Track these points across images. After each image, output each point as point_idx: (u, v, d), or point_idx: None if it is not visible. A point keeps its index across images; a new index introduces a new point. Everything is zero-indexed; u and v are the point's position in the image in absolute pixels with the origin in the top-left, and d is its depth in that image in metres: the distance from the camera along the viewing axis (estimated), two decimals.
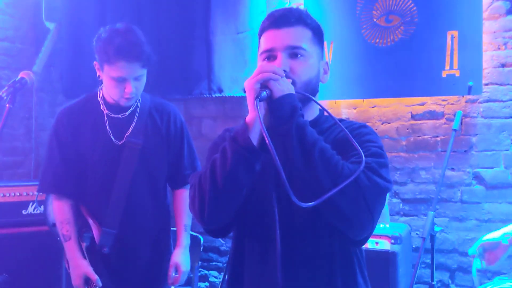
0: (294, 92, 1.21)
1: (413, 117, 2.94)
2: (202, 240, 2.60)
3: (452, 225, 2.85)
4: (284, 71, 1.25)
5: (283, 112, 1.17)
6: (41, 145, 3.91)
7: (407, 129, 2.95)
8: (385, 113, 3.01)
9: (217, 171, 1.19)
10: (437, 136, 2.88)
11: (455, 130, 2.47)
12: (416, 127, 2.93)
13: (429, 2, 2.80)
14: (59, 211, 2.07)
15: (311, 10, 3.00)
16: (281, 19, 1.31)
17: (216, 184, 1.19)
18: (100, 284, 1.95)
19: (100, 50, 1.94)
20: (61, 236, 2.06)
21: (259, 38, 1.37)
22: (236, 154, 1.17)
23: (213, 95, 3.32)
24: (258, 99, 1.15)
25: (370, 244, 2.50)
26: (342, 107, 3.11)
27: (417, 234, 2.88)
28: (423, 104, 2.90)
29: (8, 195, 3.12)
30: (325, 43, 2.96)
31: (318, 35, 1.36)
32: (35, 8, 3.92)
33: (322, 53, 1.38)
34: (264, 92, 1.17)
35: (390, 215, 2.88)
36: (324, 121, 1.39)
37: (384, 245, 2.47)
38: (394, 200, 2.98)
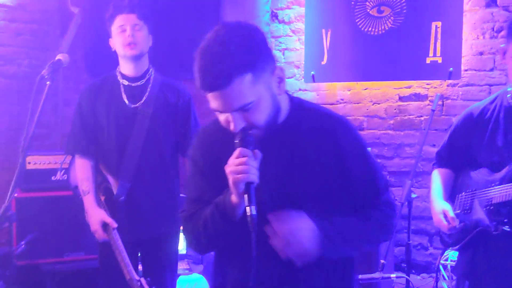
0: None
1: (400, 98, 3.28)
2: None
3: None
4: (241, 129, 1.22)
5: None
6: (66, 119, 4.30)
7: (395, 109, 3.29)
8: (375, 95, 3.35)
9: (205, 235, 1.33)
10: (421, 116, 3.22)
11: (433, 110, 2.81)
12: (402, 107, 3.27)
13: None
14: (80, 169, 2.45)
15: (311, 2, 3.33)
16: (212, 82, 1.18)
17: (204, 242, 1.36)
18: (116, 225, 2.29)
19: (106, 17, 2.34)
20: (81, 191, 2.43)
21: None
22: (224, 230, 1.29)
23: None
24: (249, 204, 1.18)
25: None
26: (338, 88, 3.45)
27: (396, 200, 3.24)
28: (409, 87, 3.24)
29: (39, 163, 3.51)
30: (323, 30, 3.32)
31: (260, 63, 1.21)
32: None
33: (271, 69, 1.24)
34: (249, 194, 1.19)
35: None
36: (298, 119, 1.33)
37: None
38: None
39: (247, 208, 1.17)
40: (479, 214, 1.85)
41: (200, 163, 1.40)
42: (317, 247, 1.22)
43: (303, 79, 3.49)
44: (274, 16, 3.60)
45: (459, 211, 1.93)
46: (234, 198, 1.23)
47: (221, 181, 1.24)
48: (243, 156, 1.19)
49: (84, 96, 2.48)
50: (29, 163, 3.45)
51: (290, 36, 3.59)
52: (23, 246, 3.49)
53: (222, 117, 1.26)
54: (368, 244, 1.41)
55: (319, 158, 1.30)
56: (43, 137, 4.18)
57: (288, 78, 3.61)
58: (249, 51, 1.19)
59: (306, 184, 1.30)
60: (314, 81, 3.39)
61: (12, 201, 3.76)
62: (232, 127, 1.23)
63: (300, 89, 3.57)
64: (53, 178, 3.56)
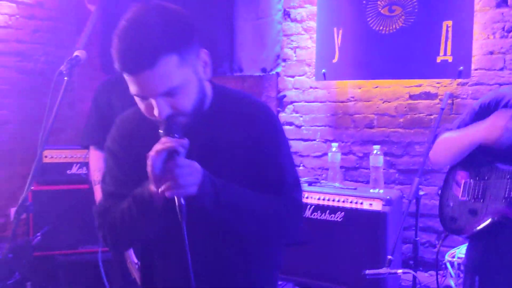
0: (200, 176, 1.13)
1: (410, 97, 3.30)
2: None
3: None
4: (167, 115, 1.15)
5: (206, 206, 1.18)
6: (81, 115, 4.39)
7: (405, 107, 3.32)
8: (385, 93, 3.38)
9: (122, 229, 1.26)
10: (431, 115, 3.25)
11: (442, 109, 2.83)
12: (412, 106, 3.30)
13: None
14: (93, 160, 2.52)
15: (323, 1, 3.37)
16: (136, 63, 1.10)
17: (120, 237, 1.30)
18: None
19: None
20: (92, 181, 2.51)
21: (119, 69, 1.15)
22: (142, 223, 1.23)
23: (234, 74, 3.74)
24: (181, 211, 1.12)
25: (364, 205, 2.91)
26: (349, 86, 3.49)
27: (404, 197, 3.27)
28: (419, 86, 3.27)
29: (55, 157, 3.60)
30: (335, 29, 3.35)
31: (185, 44, 1.15)
32: None
33: (196, 52, 1.19)
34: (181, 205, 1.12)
35: (386, 183, 3.28)
36: (221, 105, 1.30)
37: (376, 206, 2.88)
38: (391, 170, 3.38)
39: (176, 198, 1.10)
40: (496, 204, 1.82)
41: (118, 155, 1.34)
42: (198, 183, 1.13)
43: (314, 77, 3.54)
44: (287, 14, 3.65)
45: (466, 199, 1.92)
46: (153, 188, 1.14)
47: (141, 174, 1.17)
48: (169, 146, 1.11)
49: (100, 89, 2.55)
50: (45, 157, 3.55)
51: (302, 34, 3.63)
52: (39, 237, 3.59)
53: (143, 105, 1.19)
54: (257, 224, 1.26)
55: (239, 143, 1.26)
56: (59, 132, 4.28)
57: (299, 76, 3.66)
58: (173, 31, 1.12)
59: (225, 169, 1.24)
60: (325, 79, 3.43)
61: (29, 194, 3.88)
62: (156, 113, 1.14)
63: (310, 87, 3.62)
64: (68, 171, 3.66)
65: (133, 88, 1.15)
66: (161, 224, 1.23)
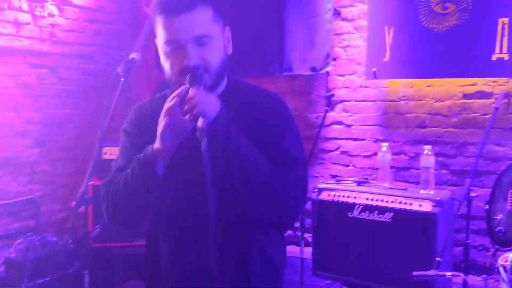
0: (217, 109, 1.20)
1: (464, 96, 3.22)
2: None
3: None
4: (195, 64, 1.22)
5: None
6: None
7: (458, 107, 3.24)
8: (438, 92, 3.30)
9: (125, 194, 1.28)
10: (486, 114, 3.15)
11: (497, 108, 2.75)
12: (466, 105, 3.21)
13: None
14: None
15: (374, 1, 3.35)
16: (177, 4, 1.19)
17: (124, 205, 1.30)
18: None
19: None
20: None
21: (154, 17, 1.25)
22: (146, 186, 1.26)
23: (284, 74, 3.78)
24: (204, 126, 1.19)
25: (414, 206, 2.87)
26: (400, 85, 3.44)
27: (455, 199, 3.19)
28: (474, 84, 3.17)
29: (114, 153, 3.79)
30: (386, 27, 3.32)
31: (219, 5, 1.27)
32: None
33: (223, 22, 1.30)
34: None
35: (439, 184, 3.21)
36: (234, 93, 1.37)
37: (426, 207, 2.83)
38: (443, 171, 3.30)
39: (200, 121, 1.18)
40: None
41: (134, 135, 1.41)
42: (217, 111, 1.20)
43: (364, 76, 3.52)
44: (337, 13, 3.65)
45: None
46: (157, 145, 1.21)
47: None
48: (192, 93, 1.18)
49: (158, 90, 2.68)
50: (104, 153, 3.75)
51: (352, 33, 3.62)
52: (97, 229, 3.80)
53: (171, 57, 1.24)
54: (262, 180, 1.24)
55: (247, 129, 1.28)
56: (117, 130, 4.49)
57: (350, 74, 3.65)
58: None
59: None
60: (375, 78, 3.41)
61: (89, 188, 4.11)
62: (185, 62, 1.20)
63: (361, 86, 3.60)
64: None
65: (167, 34, 1.22)
66: (164, 190, 1.26)
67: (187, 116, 1.17)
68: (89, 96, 4.26)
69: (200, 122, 1.20)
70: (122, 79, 2.50)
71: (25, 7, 3.72)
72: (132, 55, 2.57)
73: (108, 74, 4.32)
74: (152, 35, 4.84)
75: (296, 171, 1.32)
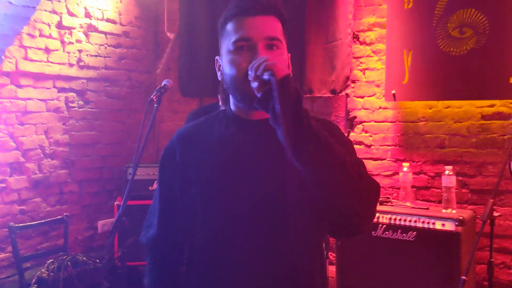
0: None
1: (483, 117, 3.31)
2: None
3: None
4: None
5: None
6: (160, 134, 4.71)
7: (477, 128, 3.33)
8: (457, 113, 3.40)
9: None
10: (505, 135, 3.23)
11: None
12: (485, 126, 3.30)
13: (500, 16, 3.15)
14: None
15: (392, 24, 3.47)
16: (257, 6, 1.22)
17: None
18: None
19: None
20: None
21: (225, 25, 1.26)
22: None
23: (304, 95, 3.89)
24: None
25: (437, 225, 2.95)
26: (419, 106, 3.54)
27: (478, 218, 3.26)
28: (492, 106, 3.26)
29: (138, 174, 3.91)
30: (404, 51, 3.43)
31: (286, 28, 1.30)
32: (158, 21, 4.71)
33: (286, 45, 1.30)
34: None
35: (459, 203, 3.29)
36: None
37: (449, 226, 2.91)
38: (463, 190, 3.38)
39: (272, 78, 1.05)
40: None
41: (174, 168, 1.33)
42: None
43: (383, 98, 3.62)
44: (356, 38, 3.77)
45: None
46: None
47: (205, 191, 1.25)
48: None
49: (190, 118, 2.80)
50: (129, 174, 3.86)
51: (371, 56, 3.73)
52: (125, 248, 3.88)
53: (240, 55, 1.20)
54: (340, 170, 1.10)
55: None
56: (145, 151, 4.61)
57: (369, 96, 3.75)
58: (285, 12, 1.29)
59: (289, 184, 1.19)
60: (394, 100, 3.51)
61: (114, 208, 4.21)
62: (257, 56, 1.15)
63: (380, 107, 3.70)
64: (150, 187, 3.96)
65: (239, 33, 1.20)
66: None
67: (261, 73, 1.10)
68: (113, 118, 4.39)
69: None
70: (155, 105, 2.65)
71: (54, 34, 3.88)
72: (164, 82, 2.71)
73: (131, 96, 4.48)
74: (174, 58, 5.02)
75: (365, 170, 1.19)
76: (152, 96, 2.76)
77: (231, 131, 1.31)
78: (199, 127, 1.38)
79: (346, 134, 3.64)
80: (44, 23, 3.79)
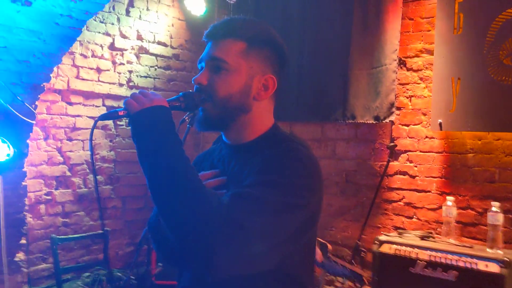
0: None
1: None
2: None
3: None
4: (198, 84, 1.26)
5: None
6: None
7: None
8: (509, 146, 3.17)
9: None
10: None
11: None
12: None
13: None
14: None
15: (441, 50, 3.33)
16: (211, 31, 1.29)
17: None
18: None
19: None
20: None
21: None
22: None
23: (347, 122, 3.79)
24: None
25: (480, 266, 2.73)
26: (468, 137, 3.34)
27: None
28: None
29: None
30: (452, 78, 3.27)
31: (258, 46, 1.27)
32: None
33: (265, 66, 1.28)
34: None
35: (508, 242, 3.04)
36: (261, 145, 1.29)
37: (493, 268, 2.68)
38: None
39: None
40: None
41: None
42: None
43: (429, 126, 3.45)
44: (402, 64, 3.65)
45: None
46: None
47: None
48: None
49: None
50: None
51: (418, 83, 3.59)
52: (160, 267, 3.92)
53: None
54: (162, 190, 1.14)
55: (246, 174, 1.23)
56: None
57: (414, 124, 3.60)
58: (258, 31, 1.29)
59: None
60: (441, 129, 3.34)
61: None
62: (196, 78, 1.27)
63: (426, 136, 3.53)
64: None
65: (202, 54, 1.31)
66: None
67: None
68: None
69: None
70: (188, 125, 2.68)
71: (106, 55, 4.05)
72: None
73: (179, 117, 4.56)
74: None
75: (230, 208, 1.09)
76: (184, 117, 2.79)
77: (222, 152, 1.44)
78: (211, 151, 1.51)
79: (386, 163, 3.50)
80: (97, 44, 3.97)
